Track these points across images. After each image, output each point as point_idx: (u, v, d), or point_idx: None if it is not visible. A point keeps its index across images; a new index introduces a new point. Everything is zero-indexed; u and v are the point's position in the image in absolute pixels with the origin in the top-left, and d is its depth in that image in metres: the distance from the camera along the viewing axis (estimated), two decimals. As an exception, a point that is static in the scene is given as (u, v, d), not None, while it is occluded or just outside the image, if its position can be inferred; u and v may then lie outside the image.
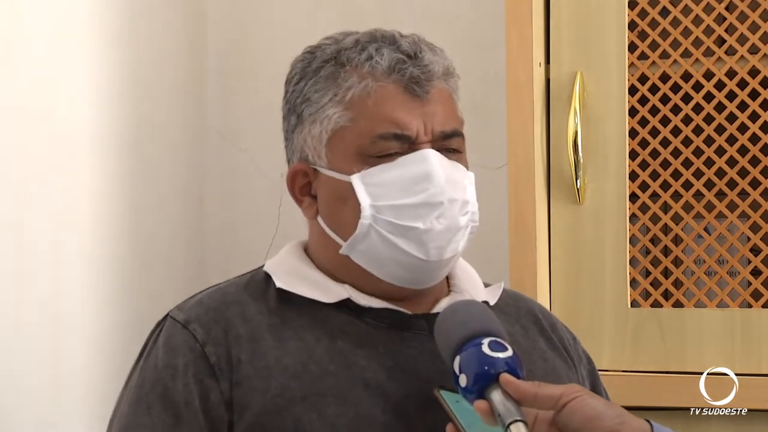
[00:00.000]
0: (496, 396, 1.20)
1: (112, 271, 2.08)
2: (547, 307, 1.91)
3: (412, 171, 1.34)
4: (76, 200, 2.00)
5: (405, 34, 1.40)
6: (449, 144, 1.37)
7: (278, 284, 1.37)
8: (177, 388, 1.31)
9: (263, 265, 1.43)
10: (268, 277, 1.40)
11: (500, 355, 1.22)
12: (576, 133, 1.90)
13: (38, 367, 1.89)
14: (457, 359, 1.23)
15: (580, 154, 1.90)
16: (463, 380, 1.22)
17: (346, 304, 1.37)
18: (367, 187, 1.34)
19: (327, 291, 1.37)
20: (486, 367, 1.21)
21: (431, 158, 1.34)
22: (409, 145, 1.35)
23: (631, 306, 1.91)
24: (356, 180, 1.34)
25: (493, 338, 1.24)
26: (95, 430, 1.99)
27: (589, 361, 1.53)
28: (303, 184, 1.40)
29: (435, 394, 1.27)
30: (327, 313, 1.36)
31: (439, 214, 1.34)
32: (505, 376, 1.21)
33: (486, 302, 1.42)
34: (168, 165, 2.26)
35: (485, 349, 1.23)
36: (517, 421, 1.17)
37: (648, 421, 1.23)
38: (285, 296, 1.37)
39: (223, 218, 2.39)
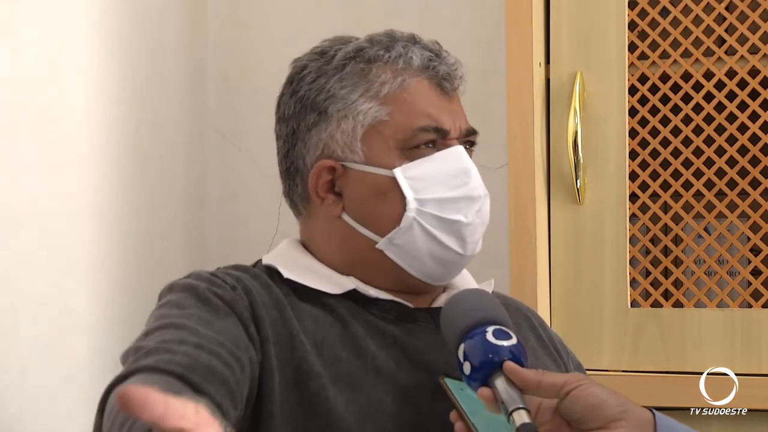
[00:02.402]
0: (500, 384, 1.20)
1: (112, 271, 2.08)
2: (548, 307, 1.91)
3: (450, 166, 1.36)
4: (75, 200, 2.00)
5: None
6: (471, 141, 1.42)
7: (285, 274, 1.37)
8: (210, 296, 1.28)
9: (260, 260, 1.43)
10: (269, 270, 1.40)
11: (504, 343, 1.23)
12: (576, 133, 1.90)
13: (38, 367, 1.89)
14: (462, 347, 1.24)
15: (580, 154, 1.90)
16: (467, 368, 1.23)
17: (351, 296, 1.37)
18: (409, 180, 1.35)
19: (333, 282, 1.38)
20: (490, 355, 1.22)
21: (464, 154, 1.38)
22: (442, 140, 1.37)
23: (631, 306, 1.92)
24: (399, 174, 1.35)
25: (497, 326, 1.25)
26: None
27: (578, 365, 1.54)
28: (325, 182, 1.40)
29: (439, 382, 1.28)
30: (334, 303, 1.36)
31: (478, 208, 1.37)
32: (509, 364, 1.21)
33: None
34: (168, 165, 2.26)
35: (489, 337, 1.23)
36: (519, 408, 1.17)
37: (651, 411, 1.23)
38: (292, 287, 1.37)
39: (223, 218, 2.39)
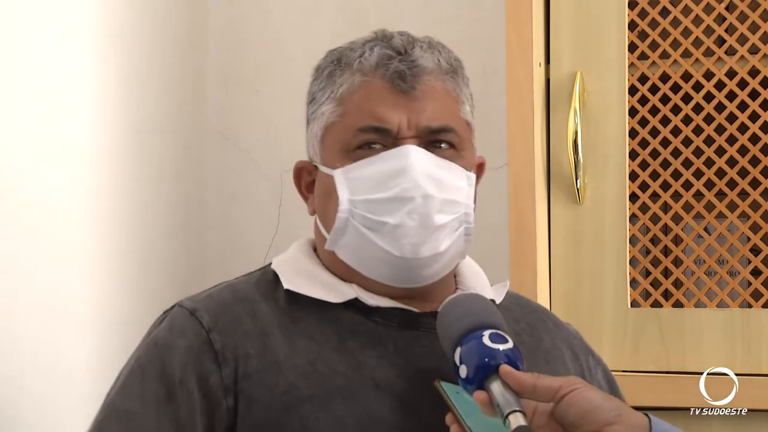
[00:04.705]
0: (496, 387, 1.20)
1: (112, 271, 2.08)
2: (548, 307, 1.91)
3: (389, 166, 1.33)
4: (76, 200, 2.00)
5: (405, 33, 1.40)
6: (439, 140, 1.36)
7: (286, 286, 1.37)
8: (174, 367, 1.31)
9: (270, 263, 1.43)
10: (277, 276, 1.40)
11: (500, 346, 1.23)
12: (576, 133, 1.90)
13: (38, 367, 1.89)
14: (458, 351, 1.24)
15: (580, 154, 1.90)
16: (463, 371, 1.23)
17: (354, 304, 1.37)
18: (349, 181, 1.35)
19: (335, 291, 1.37)
20: (486, 359, 1.22)
21: (410, 153, 1.33)
22: (393, 140, 1.35)
23: (631, 306, 1.91)
24: (339, 174, 1.36)
25: (493, 330, 1.25)
26: (95, 430, 1.99)
27: (598, 360, 1.54)
28: (308, 182, 1.43)
29: (435, 385, 1.27)
30: (336, 313, 1.36)
31: (410, 209, 1.32)
32: (505, 368, 1.21)
33: (492, 300, 1.42)
34: (168, 165, 2.26)
35: (486, 340, 1.23)
36: (515, 411, 1.17)
37: (647, 415, 1.23)
38: (294, 296, 1.37)
39: (223, 218, 2.39)
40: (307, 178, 1.43)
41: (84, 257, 2.02)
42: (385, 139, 1.35)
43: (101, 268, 2.05)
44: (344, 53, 1.40)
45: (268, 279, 1.41)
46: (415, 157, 1.33)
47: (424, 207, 1.32)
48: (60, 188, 1.96)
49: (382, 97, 1.35)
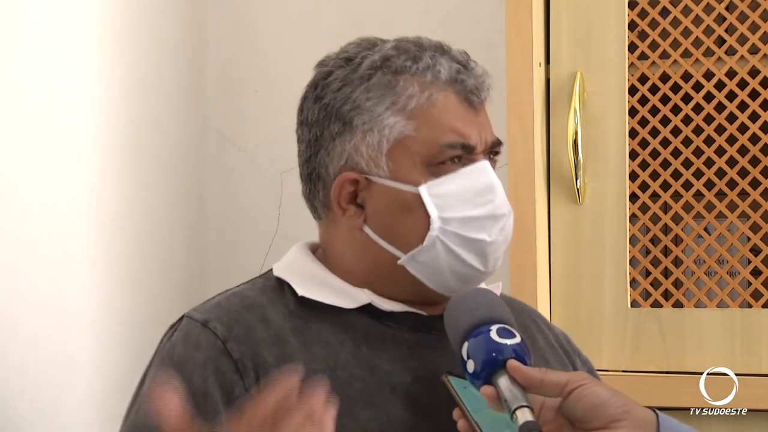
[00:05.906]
0: (503, 382, 1.20)
1: (112, 271, 2.08)
2: (548, 307, 1.91)
3: (475, 182, 1.35)
4: (76, 200, 2.00)
5: (438, 41, 1.41)
6: (494, 152, 1.39)
7: (300, 292, 1.36)
8: (195, 381, 1.29)
9: (270, 270, 1.42)
10: (280, 282, 1.39)
11: (508, 341, 1.23)
12: (576, 133, 1.91)
13: (38, 367, 1.89)
14: (465, 345, 1.24)
15: (580, 154, 1.90)
16: (470, 366, 1.23)
17: (366, 309, 1.36)
18: (433, 198, 1.34)
19: (347, 296, 1.36)
20: (494, 354, 1.22)
21: (489, 169, 1.36)
22: (468, 155, 1.35)
23: (631, 306, 1.92)
24: (424, 191, 1.34)
25: (501, 325, 1.25)
26: (96, 430, 1.99)
27: (585, 361, 1.54)
28: (348, 193, 1.37)
29: (443, 380, 1.28)
30: (348, 318, 1.36)
31: (501, 226, 1.36)
32: (512, 363, 1.21)
33: None
34: (168, 165, 2.26)
35: (493, 335, 1.23)
36: (523, 406, 1.17)
37: (654, 411, 1.23)
38: (304, 301, 1.36)
39: (223, 218, 2.39)
40: (348, 189, 1.37)
41: (84, 257, 2.01)
42: (464, 155, 1.35)
43: (101, 268, 2.05)
44: (389, 60, 1.37)
45: (273, 285, 1.39)
46: (493, 172, 1.36)
47: (509, 223, 1.38)
48: (60, 188, 1.96)
49: (458, 112, 1.36)
